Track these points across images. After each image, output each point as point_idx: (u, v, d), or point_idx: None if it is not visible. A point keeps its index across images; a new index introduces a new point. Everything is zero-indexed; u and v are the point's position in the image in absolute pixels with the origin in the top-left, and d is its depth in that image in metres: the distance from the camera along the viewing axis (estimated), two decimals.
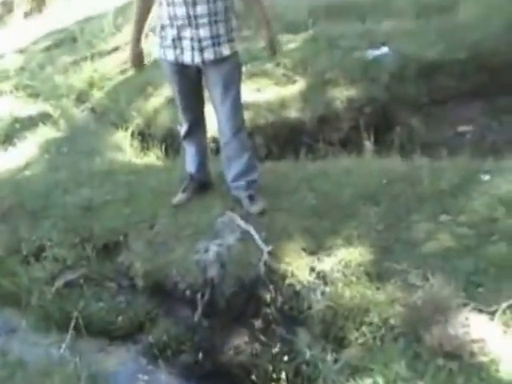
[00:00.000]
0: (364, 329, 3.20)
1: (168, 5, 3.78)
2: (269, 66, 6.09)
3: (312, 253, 3.65)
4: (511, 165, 4.12)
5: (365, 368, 3.01)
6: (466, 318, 2.90)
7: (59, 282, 4.20)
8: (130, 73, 6.96)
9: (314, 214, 3.93)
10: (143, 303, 3.97)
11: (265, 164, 4.69)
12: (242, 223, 3.90)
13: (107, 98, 6.83)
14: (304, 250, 3.67)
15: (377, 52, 6.08)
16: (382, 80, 5.83)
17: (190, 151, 4.29)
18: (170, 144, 5.60)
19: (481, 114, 5.82)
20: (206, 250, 3.83)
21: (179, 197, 4.30)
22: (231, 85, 3.94)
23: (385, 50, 6.12)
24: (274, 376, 3.42)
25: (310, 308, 3.47)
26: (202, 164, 4.29)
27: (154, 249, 4.04)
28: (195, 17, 3.75)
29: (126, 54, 7.46)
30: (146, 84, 6.55)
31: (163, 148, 5.49)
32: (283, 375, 3.32)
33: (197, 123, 4.20)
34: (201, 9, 3.74)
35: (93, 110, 6.86)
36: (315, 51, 6.27)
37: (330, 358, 3.24)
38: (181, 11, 3.75)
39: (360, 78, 5.82)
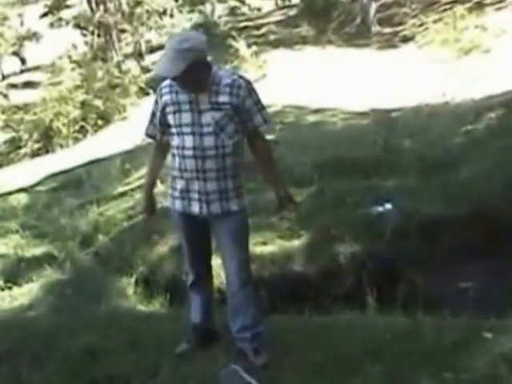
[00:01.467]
0: None
1: (179, 157, 4.01)
2: (274, 219, 6.31)
3: None
4: None
5: None
6: None
7: None
8: (136, 219, 7.20)
9: (317, 370, 3.98)
10: None
11: (269, 317, 4.79)
12: (245, 376, 3.96)
13: (112, 243, 7.03)
14: None
15: (380, 208, 6.30)
16: (386, 236, 6.02)
17: (195, 301, 4.40)
18: (174, 292, 5.72)
19: (481, 271, 5.96)
20: None
21: (183, 347, 4.37)
22: (238, 239, 4.11)
23: (388, 206, 6.36)
24: None
25: None
26: (207, 314, 4.40)
27: None
28: (204, 170, 3.97)
29: (132, 200, 7.78)
30: (152, 232, 6.76)
31: (168, 296, 5.61)
32: None
33: (203, 273, 4.34)
34: (210, 163, 3.96)
35: (97, 253, 7.03)
36: (320, 206, 6.51)
37: None
38: (190, 164, 3.98)
39: (364, 234, 6.01)
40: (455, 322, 4.40)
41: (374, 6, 19.34)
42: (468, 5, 17.46)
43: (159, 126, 4.15)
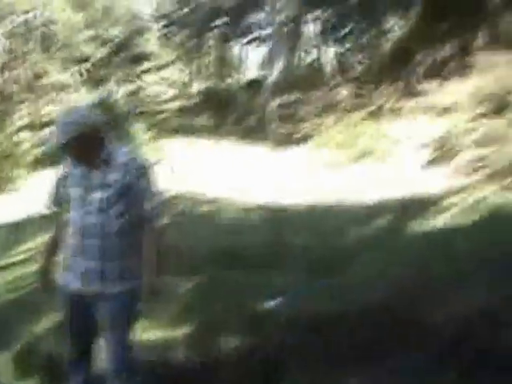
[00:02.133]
0: None
1: (70, 232, 3.93)
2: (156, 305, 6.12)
3: None
4: None
5: None
6: None
7: None
8: (21, 292, 6.94)
9: None
10: None
11: None
12: None
13: None
14: None
15: (272, 303, 6.24)
16: (274, 332, 5.92)
17: (74, 380, 4.14)
18: (51, 371, 5.42)
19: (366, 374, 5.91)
20: None
21: None
22: (119, 322, 3.94)
23: (279, 301, 6.30)
24: None
25: None
26: None
27: None
28: (86, 248, 3.85)
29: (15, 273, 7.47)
30: (38, 305, 6.48)
31: (45, 374, 5.31)
32: None
33: (84, 352, 4.12)
34: (93, 241, 3.84)
35: None
36: (208, 296, 6.38)
37: None
38: (74, 240, 3.88)
39: (251, 327, 5.90)
40: None
41: (274, 103, 19.75)
42: (367, 110, 18.08)
43: (56, 200, 4.07)
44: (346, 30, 20.50)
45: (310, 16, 20.78)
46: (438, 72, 16.46)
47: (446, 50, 16.54)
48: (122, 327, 3.94)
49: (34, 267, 7.52)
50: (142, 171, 3.91)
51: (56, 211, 4.10)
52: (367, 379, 5.78)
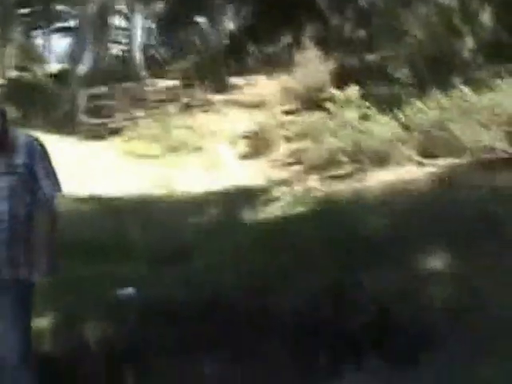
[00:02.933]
0: None
1: None
2: None
3: None
4: None
5: None
6: None
7: None
8: None
9: None
10: None
11: None
12: None
13: None
14: None
15: (124, 293, 6.29)
16: (130, 321, 5.99)
17: None
18: None
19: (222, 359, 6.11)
20: None
21: None
22: (17, 309, 3.88)
23: (130, 291, 6.36)
24: None
25: None
26: None
27: None
28: None
29: None
30: None
31: None
32: None
33: None
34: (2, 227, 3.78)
35: None
36: (59, 288, 6.28)
37: None
38: None
39: (107, 318, 5.93)
40: None
41: (82, 95, 19.43)
42: (177, 104, 18.29)
43: None
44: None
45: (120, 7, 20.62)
46: (262, 67, 17.00)
47: (275, 45, 17.12)
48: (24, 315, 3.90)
49: None
50: (40, 153, 3.91)
51: None
52: (220, 366, 6.03)
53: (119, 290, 6.41)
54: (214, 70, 17.86)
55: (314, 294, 6.24)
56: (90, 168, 15.16)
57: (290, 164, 12.63)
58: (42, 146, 3.96)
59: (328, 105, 12.51)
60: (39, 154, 3.91)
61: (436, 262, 6.41)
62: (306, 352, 5.64)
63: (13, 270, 3.85)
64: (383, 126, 11.11)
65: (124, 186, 12.48)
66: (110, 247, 7.69)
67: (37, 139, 4.00)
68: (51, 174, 3.96)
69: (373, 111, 11.63)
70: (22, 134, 3.97)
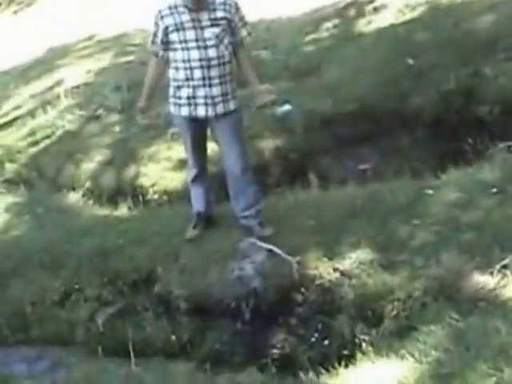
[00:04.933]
0: (394, 304, 4.43)
1: (185, 69, 4.87)
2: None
3: (330, 258, 4.82)
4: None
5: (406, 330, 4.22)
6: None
7: (102, 317, 4.99)
8: (44, 143, 7.78)
9: (316, 231, 5.11)
10: (188, 323, 4.88)
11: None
12: (264, 245, 4.99)
13: (28, 169, 7.55)
14: (324, 256, 4.84)
15: (282, 109, 7.43)
16: (294, 131, 7.19)
17: (198, 192, 5.30)
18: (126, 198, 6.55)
19: (372, 153, 7.33)
20: (242, 268, 4.87)
21: (192, 232, 5.29)
22: (238, 133, 5.08)
23: (287, 107, 7.49)
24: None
25: (341, 299, 4.64)
26: (209, 202, 5.34)
27: (188, 276, 4.99)
28: (209, 78, 4.87)
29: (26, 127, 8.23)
30: (73, 151, 7.42)
31: (129, 200, 6.41)
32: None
33: (203, 168, 5.27)
34: (214, 71, 4.87)
35: (10, 181, 7.53)
36: None
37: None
38: (197, 73, 4.86)
39: (278, 131, 7.12)
40: (396, 186, 5.67)
41: None
42: None
43: (161, 45, 4.93)
44: None
45: None
46: None
47: None
48: (240, 136, 5.10)
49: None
50: (236, 7, 4.94)
51: (160, 55, 5.00)
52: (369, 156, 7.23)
53: (277, 107, 7.47)
54: None
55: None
56: None
57: None
58: (234, 1, 4.99)
59: None
60: (234, 7, 4.94)
61: None
62: None
63: (225, 104, 4.96)
64: None
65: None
66: None
67: None
68: (244, 23, 5.02)
69: None
70: None
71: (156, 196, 6.73)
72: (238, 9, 4.96)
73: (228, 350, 4.75)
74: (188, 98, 4.94)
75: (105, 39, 12.04)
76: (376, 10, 10.04)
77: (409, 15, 9.31)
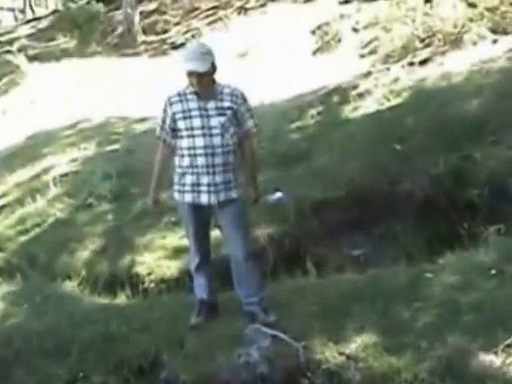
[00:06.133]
0: None
1: (190, 156, 5.17)
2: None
3: (336, 342, 5.04)
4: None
5: None
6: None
7: None
8: (35, 231, 8.00)
9: (319, 316, 5.35)
10: None
11: None
12: (269, 330, 5.21)
13: (18, 257, 7.74)
14: (329, 340, 5.06)
15: (274, 197, 7.75)
16: (287, 219, 7.48)
17: (201, 280, 5.52)
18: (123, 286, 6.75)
19: (364, 239, 7.63)
20: (249, 354, 5.07)
21: (196, 320, 5.48)
22: (241, 221, 5.35)
23: (279, 194, 7.81)
24: None
25: (348, 382, 4.85)
26: (212, 290, 5.57)
27: (194, 361, 5.17)
28: (213, 165, 5.17)
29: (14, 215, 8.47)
30: (65, 240, 7.64)
31: (127, 289, 6.61)
32: None
33: (206, 255, 5.51)
34: (218, 159, 5.17)
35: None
36: None
37: None
38: (201, 161, 5.16)
39: (272, 218, 7.42)
40: (395, 271, 5.96)
41: (137, 14, 20.44)
42: (232, 9, 19.11)
43: (169, 131, 5.25)
44: None
45: None
46: None
47: None
48: (244, 223, 5.37)
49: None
50: (242, 98, 5.28)
51: (167, 141, 5.31)
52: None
53: (269, 195, 7.79)
54: None
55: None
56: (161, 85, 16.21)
57: (362, 56, 13.44)
58: (241, 93, 5.33)
59: None
60: (241, 99, 5.29)
61: None
62: None
63: (227, 193, 5.25)
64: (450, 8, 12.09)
65: None
66: None
67: (237, 88, 5.38)
68: (251, 115, 5.36)
69: None
70: (226, 85, 5.33)
71: (153, 284, 6.92)
72: (244, 100, 5.29)
73: None
74: (192, 185, 5.23)
75: (88, 127, 12.36)
76: (360, 95, 10.52)
77: (394, 100, 9.78)
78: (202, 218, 5.37)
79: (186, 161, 5.22)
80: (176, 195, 5.37)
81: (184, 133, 5.19)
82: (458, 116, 8.31)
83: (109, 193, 8.65)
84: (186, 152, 5.21)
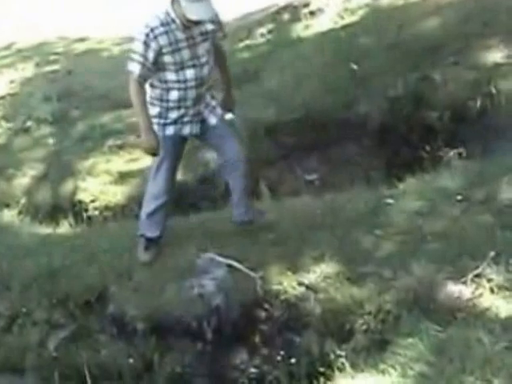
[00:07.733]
0: (364, 318, 4.44)
1: (179, 89, 4.74)
2: None
3: (294, 272, 4.81)
4: None
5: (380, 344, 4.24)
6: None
7: (54, 342, 4.85)
8: None
9: (276, 244, 5.09)
10: (146, 344, 4.79)
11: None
12: (222, 259, 4.94)
13: None
14: (288, 270, 4.82)
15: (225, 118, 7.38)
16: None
17: (158, 218, 5.07)
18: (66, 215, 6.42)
19: (319, 163, 7.37)
20: (202, 286, 4.81)
21: (146, 255, 5.12)
22: (230, 129, 5.23)
23: (230, 115, 7.45)
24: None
25: (308, 315, 4.63)
26: (164, 226, 5.17)
27: (143, 294, 4.90)
28: (200, 96, 4.85)
29: None
30: (2, 166, 7.23)
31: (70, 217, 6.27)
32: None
33: (172, 193, 5.09)
34: (205, 88, 4.85)
35: None
36: None
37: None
38: (191, 94, 4.79)
39: None
40: (353, 195, 5.71)
41: None
42: None
43: (152, 67, 4.65)
44: None
45: None
46: None
47: None
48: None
49: None
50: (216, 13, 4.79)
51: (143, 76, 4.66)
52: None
53: None
54: None
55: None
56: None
57: None
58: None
59: None
60: (217, 15, 4.79)
61: None
62: None
63: (210, 116, 4.96)
64: None
65: None
66: None
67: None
68: (223, 26, 4.97)
69: None
70: None
71: (97, 212, 6.58)
72: (217, 14, 4.85)
73: (190, 372, 4.67)
74: (176, 119, 4.86)
75: (24, 48, 11.73)
76: (312, 14, 10.07)
77: (349, 19, 9.37)
78: (180, 150, 5.05)
79: (174, 95, 4.78)
80: (156, 128, 4.83)
81: (172, 67, 4.69)
82: (416, 36, 7.97)
83: (49, 115, 8.16)
84: (174, 85, 4.75)
